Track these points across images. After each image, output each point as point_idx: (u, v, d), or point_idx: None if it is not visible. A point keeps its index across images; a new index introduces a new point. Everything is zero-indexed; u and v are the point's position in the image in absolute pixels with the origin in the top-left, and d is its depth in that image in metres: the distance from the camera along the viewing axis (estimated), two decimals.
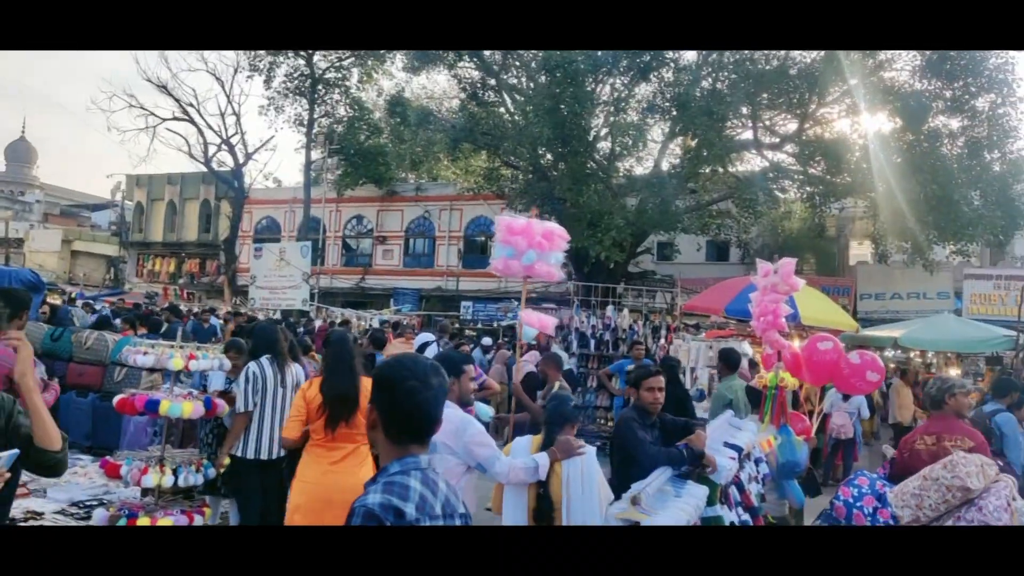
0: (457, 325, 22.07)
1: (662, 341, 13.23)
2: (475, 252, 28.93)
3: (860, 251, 26.58)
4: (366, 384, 4.44)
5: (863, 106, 18.46)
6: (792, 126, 20.84)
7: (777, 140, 21.41)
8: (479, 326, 23.38)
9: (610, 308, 14.20)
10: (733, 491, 4.45)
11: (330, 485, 4.26)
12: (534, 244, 6.81)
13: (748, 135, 21.32)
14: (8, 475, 2.30)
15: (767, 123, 21.38)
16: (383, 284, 30.16)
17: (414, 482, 1.91)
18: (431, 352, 8.94)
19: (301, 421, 4.56)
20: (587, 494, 3.77)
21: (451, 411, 3.56)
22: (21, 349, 2.53)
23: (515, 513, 3.87)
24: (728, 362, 7.88)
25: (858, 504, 3.90)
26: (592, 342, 13.39)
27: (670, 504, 3.64)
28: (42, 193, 63.20)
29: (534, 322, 7.16)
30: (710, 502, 4.02)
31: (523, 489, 3.87)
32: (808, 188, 20.67)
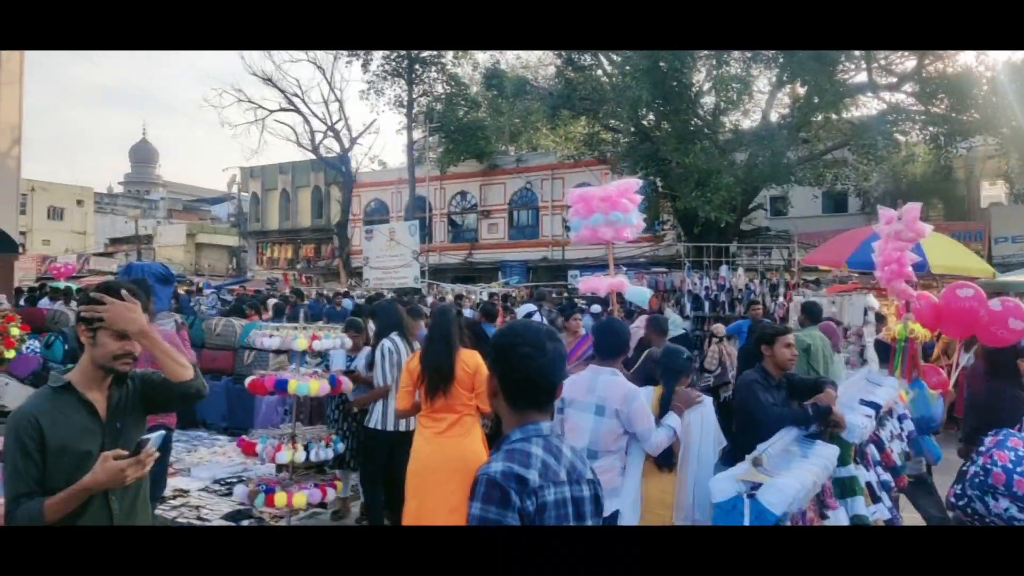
0: (566, 294, 22.01)
1: (781, 299, 12.75)
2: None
3: (992, 192, 24.76)
4: (466, 356, 4.58)
5: None
6: (911, 63, 19.50)
7: (895, 80, 20.10)
8: (588, 294, 23.26)
9: (723, 268, 13.79)
10: (872, 450, 4.22)
11: (432, 453, 4.39)
12: (586, 211, 6.84)
13: (862, 77, 20.12)
14: (157, 454, 2.43)
15: (883, 62, 20.07)
16: (490, 258, 30.45)
17: (535, 448, 1.89)
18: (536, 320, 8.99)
19: (409, 392, 4.71)
20: (704, 439, 4.15)
21: (621, 379, 4.11)
22: (115, 308, 2.47)
23: (635, 460, 4.12)
24: (810, 314, 7.95)
25: (1019, 470, 3.56)
26: (707, 304, 13.06)
27: (795, 465, 3.48)
28: (165, 191, 67.23)
29: (594, 286, 7.21)
30: (844, 462, 3.83)
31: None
32: (931, 128, 19.34)
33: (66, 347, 8.68)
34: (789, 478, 3.22)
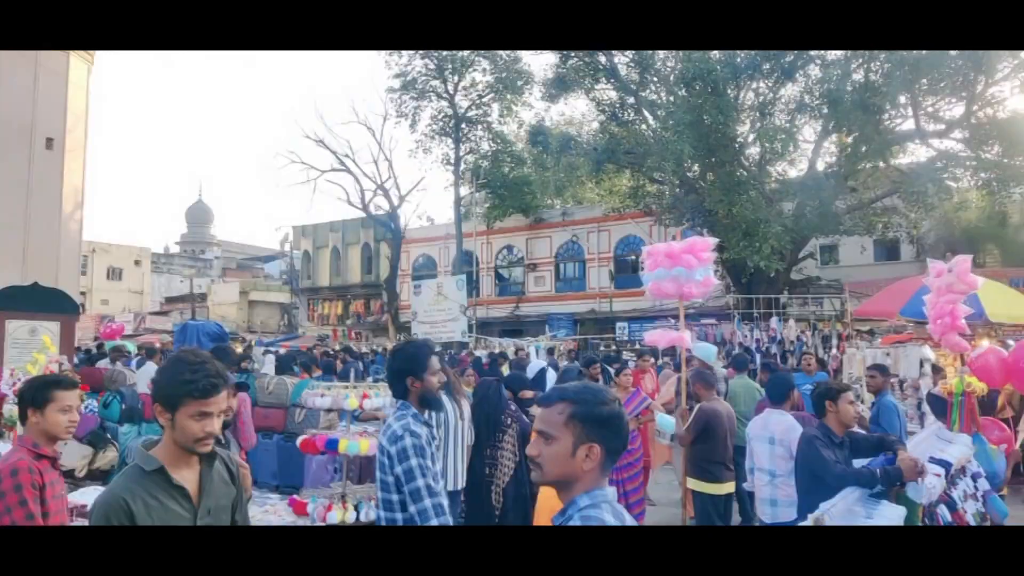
0: (614, 347, 21.87)
1: (834, 351, 12.51)
2: (626, 272, 28.68)
3: None
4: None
5: None
6: (959, 110, 19.27)
7: (943, 127, 19.86)
8: (636, 346, 23.07)
9: (774, 319, 13.62)
10: (942, 511, 4.06)
11: (547, 496, 4.56)
12: (658, 265, 6.89)
13: (910, 125, 19.93)
14: None
15: (930, 110, 19.87)
16: (537, 311, 30.49)
17: (608, 516, 1.88)
18: (551, 378, 9.09)
19: None
20: None
21: (787, 416, 5.40)
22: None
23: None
24: (736, 364, 8.87)
25: None
26: (758, 356, 12.87)
27: (858, 526, 3.40)
28: (220, 250, 69.02)
29: (657, 339, 7.40)
30: (911, 523, 3.71)
31: None
32: (983, 174, 18.96)
33: (123, 407, 8.87)
34: None
